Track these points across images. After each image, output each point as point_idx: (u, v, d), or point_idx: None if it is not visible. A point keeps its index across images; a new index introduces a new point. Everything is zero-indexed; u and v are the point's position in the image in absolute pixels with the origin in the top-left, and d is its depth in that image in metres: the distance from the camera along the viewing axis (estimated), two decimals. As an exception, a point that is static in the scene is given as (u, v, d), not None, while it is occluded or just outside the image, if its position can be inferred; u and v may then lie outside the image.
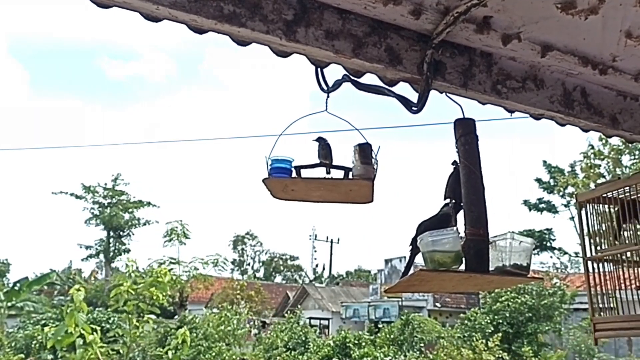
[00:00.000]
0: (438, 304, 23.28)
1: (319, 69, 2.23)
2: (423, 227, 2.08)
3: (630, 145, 12.98)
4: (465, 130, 2.14)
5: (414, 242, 2.12)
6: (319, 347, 16.05)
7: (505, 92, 2.35)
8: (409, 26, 2.09)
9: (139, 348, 14.14)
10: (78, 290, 6.19)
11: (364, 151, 2.27)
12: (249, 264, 51.84)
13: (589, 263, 3.60)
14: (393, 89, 2.21)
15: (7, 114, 49.40)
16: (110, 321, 15.05)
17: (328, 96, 2.29)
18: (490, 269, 2.02)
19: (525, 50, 2.24)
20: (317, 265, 45.92)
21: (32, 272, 32.89)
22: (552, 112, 2.49)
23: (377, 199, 2.33)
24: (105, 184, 31.38)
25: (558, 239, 29.36)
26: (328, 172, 2.33)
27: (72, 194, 30.66)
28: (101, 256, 32.06)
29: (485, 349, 14.36)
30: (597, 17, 2.06)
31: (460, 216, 2.12)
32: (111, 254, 31.43)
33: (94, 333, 6.28)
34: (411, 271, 2.06)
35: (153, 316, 7.64)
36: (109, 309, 10.95)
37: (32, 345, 14.31)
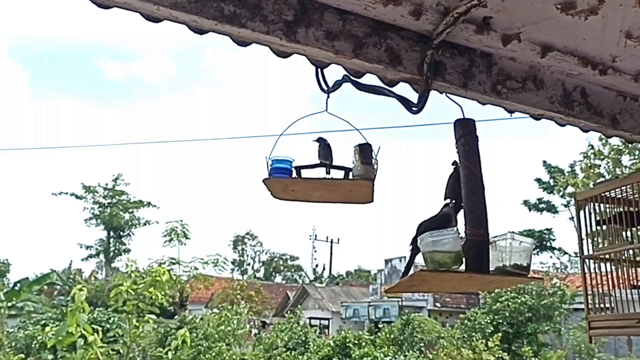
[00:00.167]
0: (438, 304, 23.26)
1: (319, 70, 2.23)
2: (423, 227, 2.09)
3: (630, 145, 12.98)
4: (466, 131, 2.15)
5: (414, 242, 2.13)
6: (319, 347, 16.02)
7: (505, 93, 2.35)
8: (409, 27, 2.09)
9: (139, 348, 14.10)
10: (80, 290, 6.20)
11: (364, 151, 2.27)
12: (249, 264, 51.86)
13: (586, 261, 3.61)
14: (393, 89, 2.21)
15: (7, 114, 49.44)
16: (110, 321, 15.02)
17: (328, 96, 2.29)
18: (491, 269, 2.02)
19: (525, 51, 2.24)
20: (317, 266, 45.89)
21: (33, 272, 32.84)
22: (552, 113, 2.50)
23: (377, 199, 2.33)
24: (106, 184, 31.47)
25: (558, 239, 29.37)
26: (328, 173, 2.33)
27: (72, 194, 30.75)
28: (101, 256, 32.13)
29: (485, 349, 14.33)
30: (597, 18, 2.06)
31: (461, 216, 2.12)
32: (111, 254, 31.47)
33: (95, 333, 6.29)
34: (411, 271, 2.06)
35: (153, 316, 7.64)
36: (109, 309, 10.93)
37: (33, 346, 14.29)
